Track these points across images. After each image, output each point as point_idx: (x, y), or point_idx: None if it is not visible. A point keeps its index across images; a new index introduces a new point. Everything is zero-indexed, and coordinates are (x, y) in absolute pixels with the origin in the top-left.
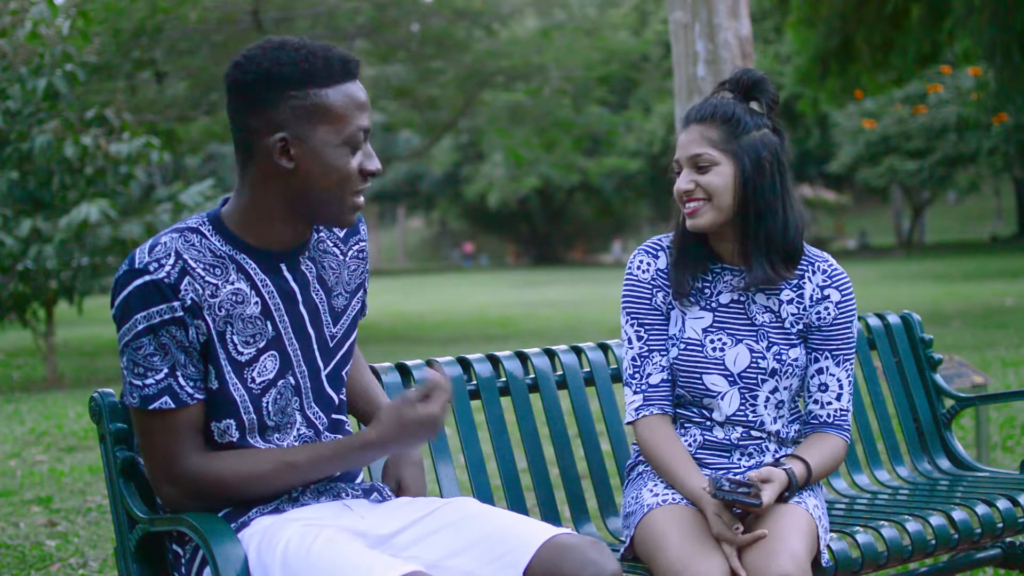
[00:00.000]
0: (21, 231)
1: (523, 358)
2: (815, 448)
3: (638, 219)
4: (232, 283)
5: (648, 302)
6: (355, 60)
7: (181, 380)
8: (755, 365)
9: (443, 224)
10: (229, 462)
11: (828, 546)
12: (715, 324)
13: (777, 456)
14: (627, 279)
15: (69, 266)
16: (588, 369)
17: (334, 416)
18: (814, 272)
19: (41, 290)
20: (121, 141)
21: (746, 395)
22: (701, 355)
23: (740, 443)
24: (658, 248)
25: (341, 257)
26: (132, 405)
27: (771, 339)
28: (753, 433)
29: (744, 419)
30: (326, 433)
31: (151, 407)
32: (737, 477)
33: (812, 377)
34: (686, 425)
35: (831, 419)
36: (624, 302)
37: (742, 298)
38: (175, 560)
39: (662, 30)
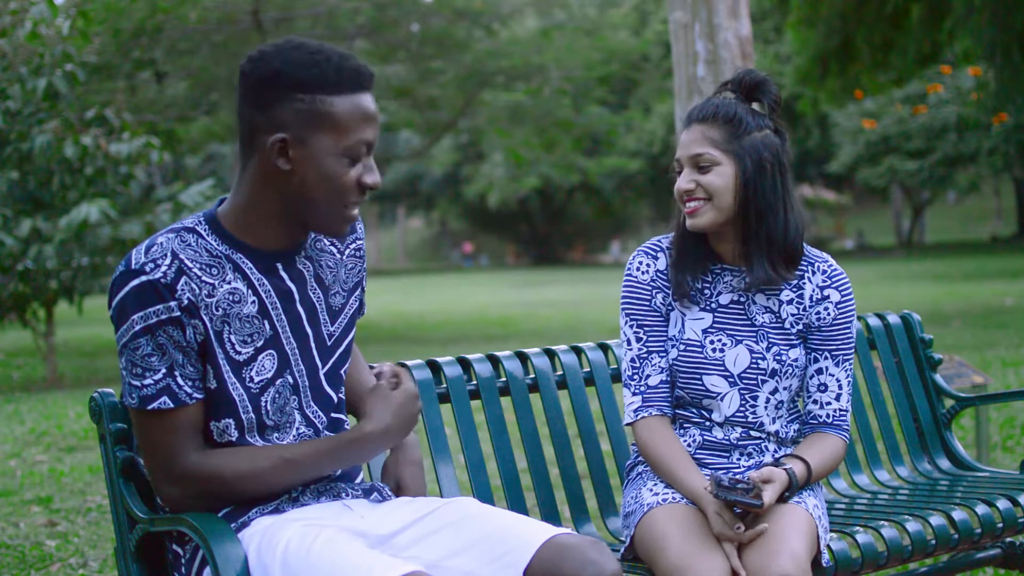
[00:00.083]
0: (21, 231)
1: (523, 358)
2: (815, 448)
3: (638, 219)
4: (229, 283)
5: (647, 303)
6: (369, 73)
7: (179, 380)
8: (755, 366)
9: (443, 224)
10: (228, 460)
11: (828, 546)
12: (715, 325)
13: (777, 456)
14: (626, 280)
15: (69, 266)
16: (588, 369)
17: (333, 415)
18: (814, 272)
19: (41, 290)
20: (121, 141)
21: (746, 396)
22: (701, 356)
23: (739, 443)
24: (657, 249)
25: (338, 256)
26: (131, 405)
27: (771, 340)
28: (752, 433)
29: (743, 419)
30: (325, 432)
31: (150, 407)
32: (737, 477)
33: (811, 377)
34: (685, 425)
35: (830, 419)
36: (623, 303)
37: (742, 299)
38: (175, 560)
39: (662, 30)
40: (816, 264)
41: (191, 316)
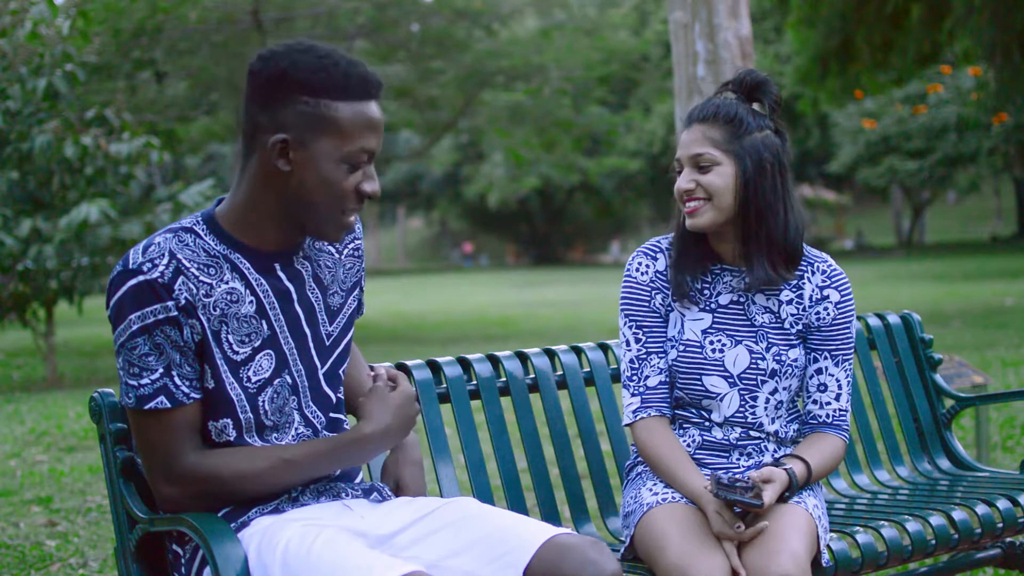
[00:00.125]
0: (21, 231)
1: (523, 358)
2: (814, 448)
3: (638, 219)
4: (226, 282)
5: (646, 304)
6: (377, 82)
7: (177, 380)
8: (755, 366)
9: (443, 224)
10: (226, 460)
11: (828, 546)
12: (714, 325)
13: (776, 456)
14: (625, 281)
15: (69, 266)
16: (588, 369)
17: (332, 415)
18: (813, 272)
19: (41, 290)
20: (121, 141)
21: (745, 396)
22: (700, 356)
23: (739, 443)
24: (657, 250)
25: (337, 256)
26: (128, 405)
27: (770, 340)
28: (752, 433)
29: (743, 420)
30: (324, 432)
31: (147, 407)
32: (737, 476)
33: (811, 377)
34: (684, 426)
35: (830, 419)
36: (622, 304)
37: (741, 299)
38: (175, 560)
39: (662, 30)
40: (815, 264)
41: (188, 316)
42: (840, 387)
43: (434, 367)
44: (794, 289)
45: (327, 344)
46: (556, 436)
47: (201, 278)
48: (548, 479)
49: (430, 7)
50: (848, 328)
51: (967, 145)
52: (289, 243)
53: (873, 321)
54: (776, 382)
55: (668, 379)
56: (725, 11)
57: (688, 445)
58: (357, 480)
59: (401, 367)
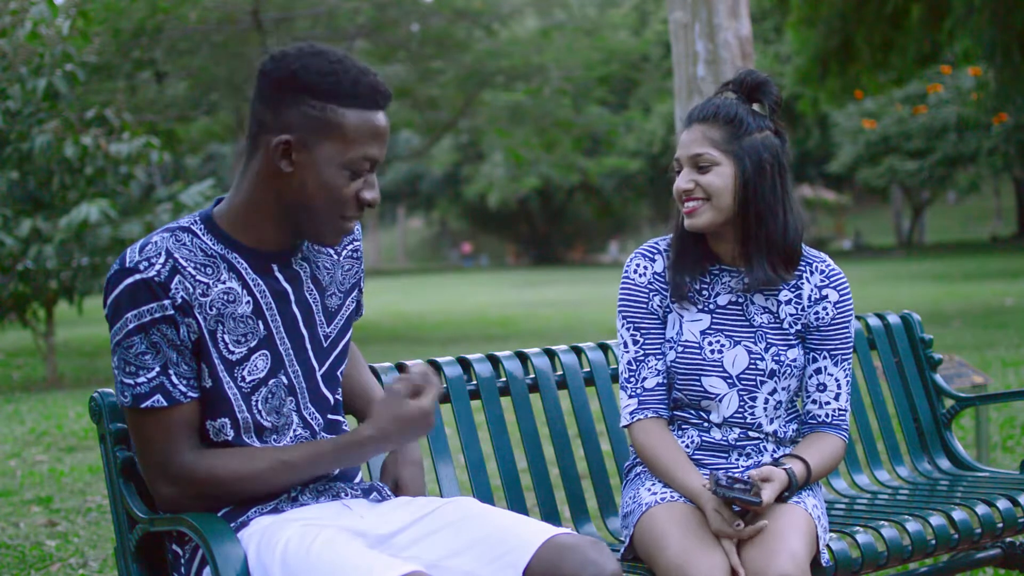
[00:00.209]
0: (21, 231)
1: (523, 358)
2: (814, 448)
3: (638, 219)
4: (223, 282)
5: (644, 306)
6: (386, 92)
7: (174, 378)
8: (753, 367)
9: (443, 224)
10: (224, 460)
11: (828, 546)
12: (713, 326)
13: (775, 456)
14: (623, 283)
15: (69, 266)
16: (588, 369)
17: (330, 416)
18: (812, 272)
19: (41, 290)
20: (121, 141)
21: (744, 397)
22: (699, 357)
23: (738, 444)
24: (655, 251)
25: (335, 257)
26: (124, 404)
27: (769, 340)
28: (751, 434)
29: (742, 420)
30: (322, 434)
31: (143, 405)
32: (736, 475)
33: (810, 377)
34: (683, 427)
35: (829, 419)
36: (620, 306)
37: (740, 299)
38: (175, 560)
39: (662, 30)
40: (814, 264)
41: (185, 315)
42: (839, 387)
43: (434, 367)
44: (793, 289)
45: (325, 346)
46: (556, 436)
47: (198, 277)
48: (548, 479)
49: (430, 7)
50: (847, 328)
51: (967, 145)
52: (287, 244)
53: (873, 321)
54: (775, 382)
55: (666, 381)
56: (725, 11)
57: (687, 446)
58: (356, 480)
59: (401, 367)
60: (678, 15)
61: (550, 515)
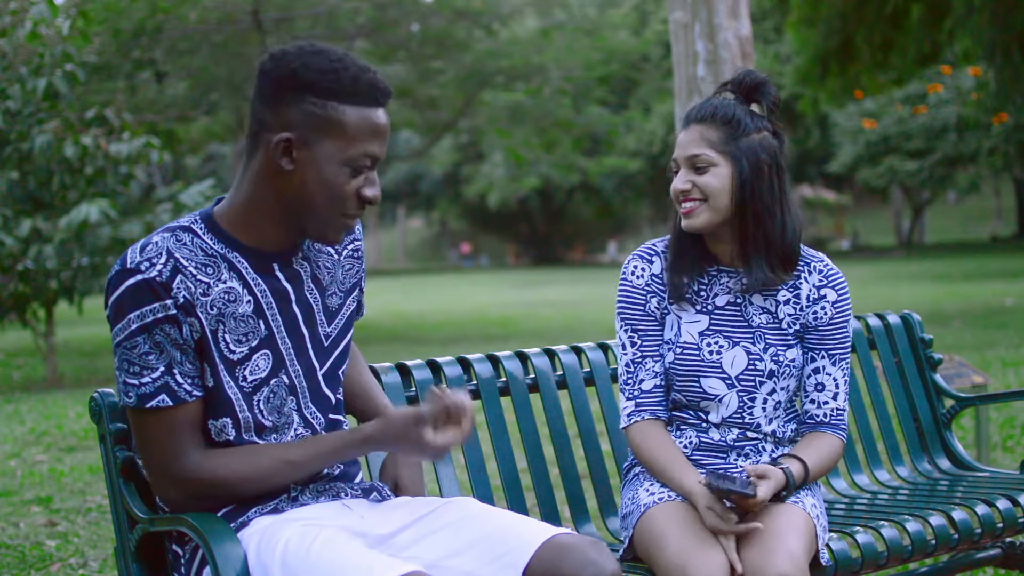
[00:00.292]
0: (21, 231)
1: (523, 358)
2: (812, 447)
3: (638, 219)
4: (224, 282)
5: (642, 308)
6: (386, 90)
7: (178, 377)
8: (752, 367)
9: (443, 224)
10: (228, 461)
11: (828, 546)
12: (711, 327)
13: (774, 456)
14: (621, 285)
15: (69, 266)
16: (588, 369)
17: (331, 416)
18: (810, 272)
19: (41, 290)
20: (121, 141)
21: (744, 397)
22: (698, 359)
23: (736, 444)
24: (653, 253)
25: (336, 256)
26: (128, 405)
27: (768, 340)
28: (749, 434)
29: (740, 420)
30: (323, 434)
31: (148, 405)
32: (732, 474)
33: (809, 377)
34: (682, 427)
35: (828, 418)
36: (618, 308)
37: (739, 300)
38: (175, 560)
39: (662, 30)
40: (812, 264)
41: (187, 314)
42: (837, 386)
43: (434, 367)
44: (791, 289)
45: (325, 345)
46: (556, 436)
47: (199, 277)
48: (548, 479)
49: (430, 7)
50: (845, 327)
51: (967, 145)
52: (288, 243)
53: (873, 321)
54: (774, 383)
55: (663, 382)
56: (725, 11)
57: (685, 446)
58: (356, 480)
59: (401, 367)
60: (678, 15)
61: (550, 515)
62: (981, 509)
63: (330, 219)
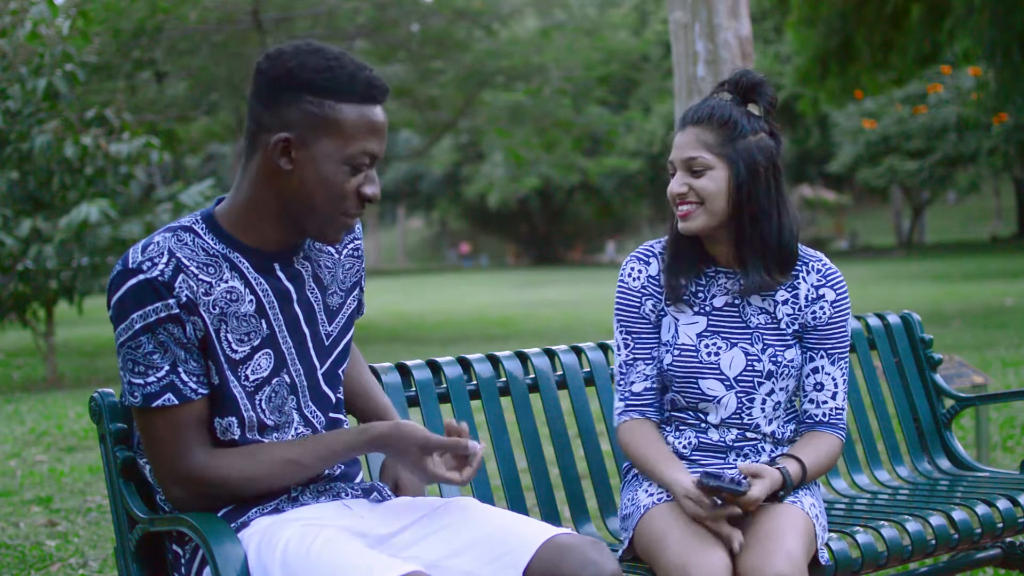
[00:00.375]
0: (21, 231)
1: (523, 358)
2: (810, 447)
3: (638, 219)
4: (226, 281)
5: (636, 310)
6: (383, 87)
7: (183, 376)
8: (751, 368)
9: (443, 224)
10: (233, 461)
11: (828, 545)
12: (709, 328)
13: (773, 456)
14: (618, 286)
15: (69, 266)
16: (588, 369)
17: (331, 415)
18: (808, 272)
19: (41, 290)
20: (121, 141)
21: (742, 398)
22: (696, 360)
23: (735, 444)
24: (650, 254)
25: (336, 256)
26: (134, 404)
27: (766, 341)
28: (748, 435)
29: (739, 421)
30: (325, 433)
31: (154, 404)
32: (727, 474)
33: (807, 376)
34: (681, 428)
35: (826, 418)
36: (616, 309)
37: (737, 301)
38: (175, 560)
39: (662, 30)
40: (811, 263)
41: (190, 313)
42: (836, 386)
43: (434, 367)
44: (790, 289)
45: (326, 344)
46: (556, 436)
47: (201, 276)
48: (548, 479)
49: (430, 7)
50: (844, 327)
51: (967, 145)
52: (289, 243)
53: (873, 321)
54: (773, 383)
55: (655, 385)
56: (725, 11)
57: (684, 447)
58: (357, 480)
59: (401, 367)
60: (678, 15)
61: (550, 515)
62: (981, 509)
63: (330, 218)
